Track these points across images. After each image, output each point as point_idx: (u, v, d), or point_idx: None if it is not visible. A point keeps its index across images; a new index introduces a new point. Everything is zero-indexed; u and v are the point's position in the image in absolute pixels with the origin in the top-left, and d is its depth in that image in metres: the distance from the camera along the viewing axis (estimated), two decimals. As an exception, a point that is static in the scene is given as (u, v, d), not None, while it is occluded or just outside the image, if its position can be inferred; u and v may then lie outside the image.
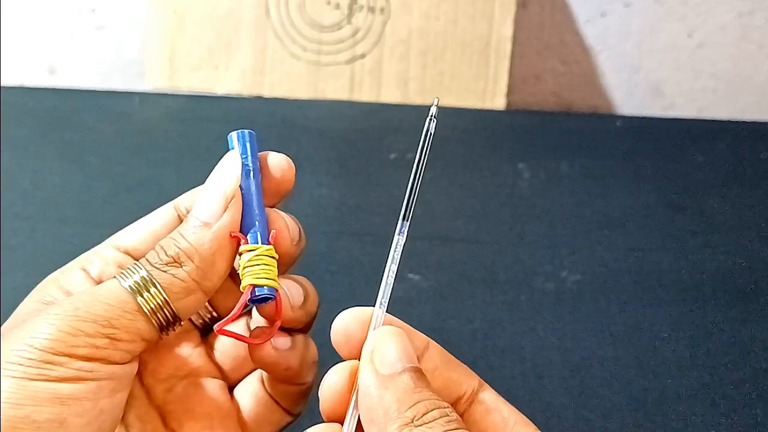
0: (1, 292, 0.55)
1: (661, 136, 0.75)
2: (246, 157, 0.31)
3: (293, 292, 0.31)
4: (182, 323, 0.29)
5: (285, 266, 0.32)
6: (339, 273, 0.59)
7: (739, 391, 0.52)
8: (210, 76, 0.77)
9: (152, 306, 0.27)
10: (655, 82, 0.82)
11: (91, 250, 0.32)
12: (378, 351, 0.28)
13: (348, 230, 0.63)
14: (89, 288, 0.28)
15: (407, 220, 0.29)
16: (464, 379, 0.30)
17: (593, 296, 0.58)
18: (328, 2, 0.76)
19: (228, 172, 0.31)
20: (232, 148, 0.32)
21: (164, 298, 0.28)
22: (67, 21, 0.81)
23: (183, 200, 0.33)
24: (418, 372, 0.27)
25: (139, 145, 0.71)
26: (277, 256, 0.30)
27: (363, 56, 0.77)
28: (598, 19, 0.79)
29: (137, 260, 0.30)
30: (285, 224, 0.32)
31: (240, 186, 0.31)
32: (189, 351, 0.33)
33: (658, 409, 0.51)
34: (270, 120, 0.75)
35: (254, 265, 0.29)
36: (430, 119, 0.30)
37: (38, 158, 0.69)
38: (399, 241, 0.29)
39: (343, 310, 0.56)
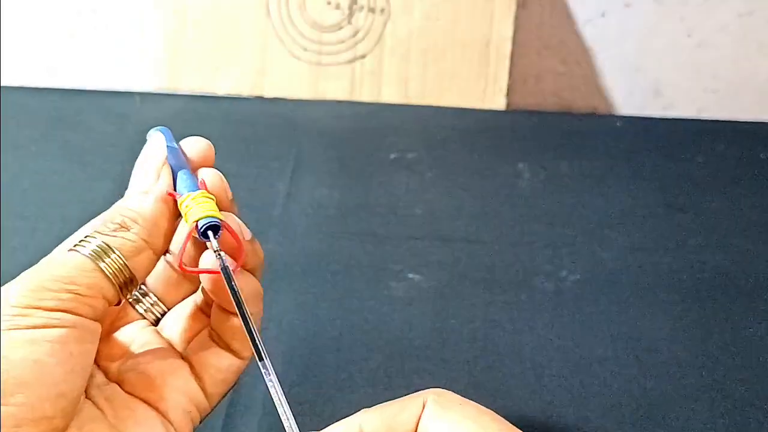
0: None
1: (661, 136, 0.75)
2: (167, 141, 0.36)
3: (237, 222, 0.34)
4: (138, 283, 0.32)
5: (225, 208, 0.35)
6: (339, 273, 0.59)
7: (739, 391, 0.52)
8: (211, 76, 0.78)
9: (113, 270, 0.30)
10: (655, 83, 0.82)
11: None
12: None
13: (348, 230, 0.63)
14: (48, 257, 0.32)
15: (265, 359, 0.31)
16: (406, 414, 0.31)
17: (593, 296, 0.58)
18: (328, 2, 0.76)
19: (154, 148, 0.35)
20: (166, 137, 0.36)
21: (119, 256, 0.31)
22: (68, 21, 0.81)
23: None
24: None
25: (140, 145, 0.70)
26: (213, 197, 0.33)
27: (363, 56, 0.77)
28: (598, 20, 0.79)
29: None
30: (212, 173, 0.35)
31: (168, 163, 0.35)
32: (138, 334, 0.36)
33: (658, 409, 0.51)
34: (270, 120, 0.75)
35: (192, 207, 0.32)
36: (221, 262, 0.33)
37: (39, 158, 0.69)
38: (274, 381, 0.31)
39: (343, 309, 0.56)
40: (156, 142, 0.35)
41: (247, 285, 0.33)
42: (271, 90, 0.78)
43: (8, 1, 0.80)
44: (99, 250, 0.31)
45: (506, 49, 0.76)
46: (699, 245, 0.63)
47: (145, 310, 0.37)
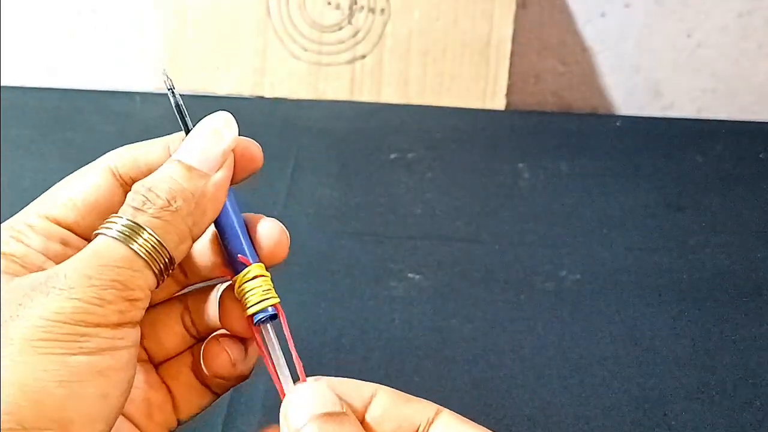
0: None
1: (661, 136, 0.75)
2: None
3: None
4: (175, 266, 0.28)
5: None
6: (339, 272, 0.59)
7: (739, 390, 0.52)
8: (211, 76, 0.78)
9: (160, 264, 0.27)
10: (655, 82, 0.82)
11: (14, 218, 0.29)
12: (285, 408, 0.28)
13: (348, 229, 0.63)
14: (87, 251, 0.26)
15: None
16: (418, 412, 0.30)
17: (593, 296, 0.58)
18: (328, 3, 0.76)
19: (226, 127, 0.30)
20: None
21: (164, 248, 0.27)
22: (68, 21, 0.81)
23: (118, 161, 0.31)
24: (328, 416, 0.28)
25: (140, 145, 0.71)
26: (267, 274, 0.31)
27: (363, 57, 0.77)
28: (598, 20, 0.79)
29: (78, 235, 0.29)
30: (280, 232, 0.32)
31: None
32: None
33: (658, 408, 0.51)
34: (270, 120, 0.75)
35: (247, 291, 0.31)
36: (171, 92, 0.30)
37: (39, 158, 0.69)
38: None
39: (344, 308, 0.56)
40: (227, 121, 0.30)
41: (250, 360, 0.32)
42: (271, 90, 0.78)
43: (8, 1, 0.80)
44: (147, 244, 0.26)
45: (506, 49, 0.76)
46: (698, 245, 0.63)
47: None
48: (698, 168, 0.71)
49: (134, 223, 0.26)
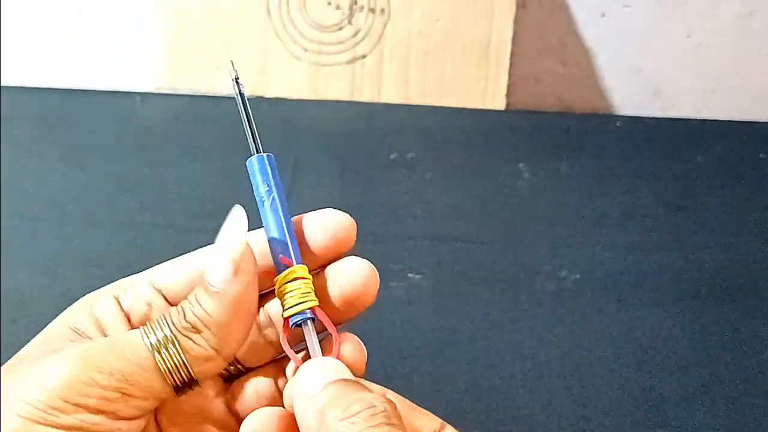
0: (2, 292, 0.56)
1: (661, 136, 0.75)
2: (257, 185, 0.31)
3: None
4: (200, 384, 0.28)
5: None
6: (339, 273, 0.59)
7: (739, 390, 0.52)
8: (211, 76, 0.78)
9: (169, 366, 0.27)
10: (655, 83, 0.82)
11: (128, 278, 0.31)
12: (300, 376, 0.28)
13: (348, 230, 0.63)
14: (112, 336, 0.28)
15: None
16: (425, 424, 0.30)
17: (593, 295, 0.59)
18: (328, 3, 0.76)
19: (233, 234, 0.30)
20: (252, 174, 0.32)
21: (183, 360, 0.27)
22: (69, 21, 0.81)
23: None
24: (344, 381, 0.28)
25: (141, 145, 0.71)
26: (309, 277, 0.30)
27: (363, 57, 0.77)
28: (598, 20, 0.79)
29: (171, 304, 0.30)
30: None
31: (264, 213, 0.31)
32: (210, 399, 0.32)
33: (658, 408, 0.51)
34: (271, 120, 0.75)
35: (287, 292, 0.30)
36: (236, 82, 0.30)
37: (40, 158, 0.69)
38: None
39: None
40: (237, 219, 0.30)
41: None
42: (271, 90, 0.78)
43: (8, 1, 0.80)
44: (163, 343, 0.27)
45: (506, 50, 0.76)
46: (698, 245, 0.63)
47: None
48: (698, 168, 0.71)
49: (166, 332, 0.27)
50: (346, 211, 0.31)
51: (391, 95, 0.77)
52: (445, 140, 0.74)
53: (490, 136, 0.74)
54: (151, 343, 0.27)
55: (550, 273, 0.60)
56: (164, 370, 0.27)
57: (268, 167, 0.31)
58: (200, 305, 0.28)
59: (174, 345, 0.27)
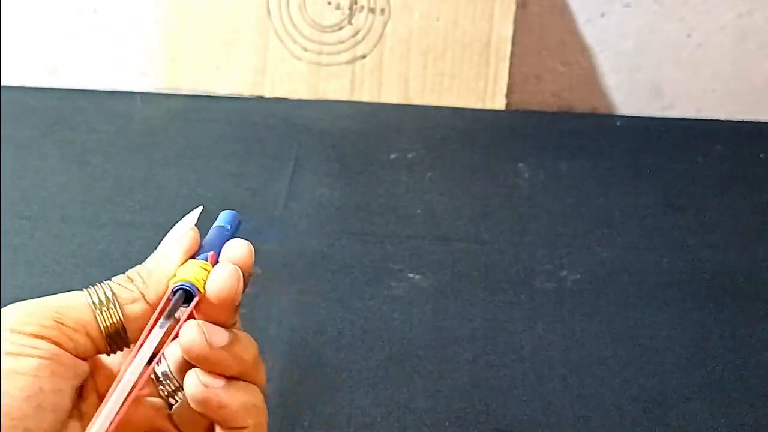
0: (2, 291, 0.56)
1: (661, 136, 0.75)
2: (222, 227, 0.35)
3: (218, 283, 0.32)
4: (128, 337, 0.31)
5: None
6: (340, 272, 0.60)
7: (738, 390, 0.52)
8: (211, 76, 0.78)
9: (101, 299, 0.31)
10: (655, 82, 0.82)
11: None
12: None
13: (349, 229, 0.64)
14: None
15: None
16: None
17: (593, 295, 0.59)
18: (328, 3, 0.76)
19: (185, 220, 0.34)
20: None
21: (113, 299, 0.31)
22: (69, 21, 0.81)
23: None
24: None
25: (141, 144, 0.71)
26: (209, 268, 0.32)
27: (363, 57, 0.77)
28: (598, 20, 0.79)
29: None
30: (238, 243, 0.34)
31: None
32: (156, 413, 0.35)
33: (658, 408, 0.51)
34: (271, 120, 0.75)
35: (183, 265, 0.32)
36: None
37: (40, 158, 0.69)
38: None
39: (344, 308, 0.57)
40: (191, 215, 0.34)
41: (233, 398, 0.31)
42: (271, 90, 0.78)
43: (9, 1, 0.80)
44: (97, 290, 0.31)
45: (506, 49, 0.76)
46: (698, 244, 0.63)
47: (166, 395, 0.35)
48: (698, 168, 0.71)
49: (102, 284, 0.32)
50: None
51: (391, 95, 0.77)
52: (445, 140, 0.74)
53: (491, 136, 0.74)
54: (88, 291, 0.31)
55: (550, 273, 0.60)
56: (91, 303, 0.30)
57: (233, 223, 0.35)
58: (140, 265, 0.33)
59: (107, 288, 0.31)
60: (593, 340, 0.55)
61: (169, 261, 0.32)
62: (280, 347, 0.54)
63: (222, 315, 0.32)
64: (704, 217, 0.66)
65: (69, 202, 0.65)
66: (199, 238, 0.33)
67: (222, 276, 0.31)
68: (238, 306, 0.32)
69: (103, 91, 0.79)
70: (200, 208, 0.35)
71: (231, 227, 0.35)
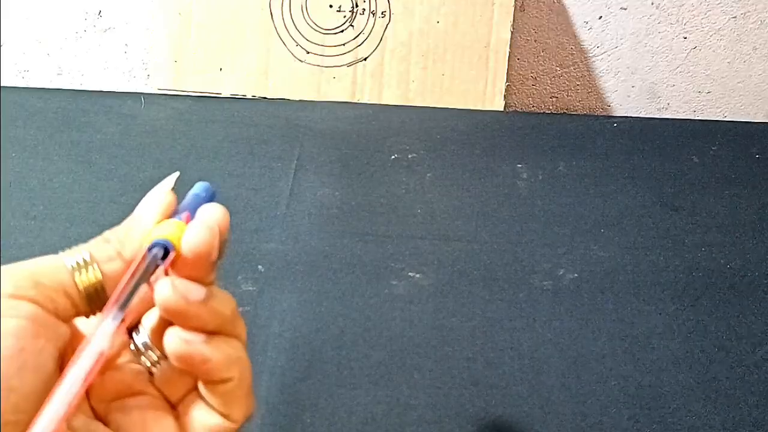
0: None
1: (657, 137, 0.75)
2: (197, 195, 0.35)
3: (193, 240, 0.32)
4: (107, 297, 0.31)
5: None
6: (341, 271, 0.60)
7: (734, 388, 0.52)
8: (215, 77, 0.78)
9: (79, 268, 0.30)
10: (651, 84, 0.82)
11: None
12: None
13: (350, 229, 0.64)
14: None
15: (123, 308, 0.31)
16: None
17: (590, 294, 0.59)
18: (330, 6, 0.76)
19: (160, 185, 0.34)
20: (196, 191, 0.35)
21: (90, 259, 0.31)
22: (74, 23, 0.81)
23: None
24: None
25: (145, 145, 0.71)
26: (184, 227, 0.32)
27: (365, 59, 0.77)
28: (595, 22, 0.79)
29: None
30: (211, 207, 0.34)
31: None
32: (135, 377, 0.34)
33: (654, 405, 0.51)
34: (273, 121, 0.75)
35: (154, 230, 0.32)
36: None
37: (45, 158, 0.70)
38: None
39: (345, 307, 0.57)
40: (166, 180, 0.35)
41: (216, 350, 0.31)
42: (274, 91, 0.78)
43: (16, 3, 0.81)
44: (74, 252, 0.31)
45: (505, 52, 0.76)
46: (694, 243, 0.63)
47: (149, 366, 0.34)
48: (694, 168, 0.71)
49: (78, 247, 0.32)
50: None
51: (391, 97, 0.77)
52: (445, 141, 0.74)
53: (490, 137, 0.74)
54: (65, 253, 0.31)
55: (548, 272, 0.61)
56: (76, 272, 0.30)
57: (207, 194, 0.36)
58: (116, 227, 0.33)
59: (83, 250, 0.31)
60: (590, 337, 0.56)
61: (146, 220, 0.32)
62: (283, 345, 0.54)
63: (199, 272, 0.31)
64: (700, 216, 0.66)
65: (75, 201, 0.65)
66: (175, 201, 0.34)
67: (197, 231, 0.31)
68: (214, 264, 0.32)
69: (109, 93, 0.79)
70: (177, 173, 0.35)
71: (206, 195, 0.35)
